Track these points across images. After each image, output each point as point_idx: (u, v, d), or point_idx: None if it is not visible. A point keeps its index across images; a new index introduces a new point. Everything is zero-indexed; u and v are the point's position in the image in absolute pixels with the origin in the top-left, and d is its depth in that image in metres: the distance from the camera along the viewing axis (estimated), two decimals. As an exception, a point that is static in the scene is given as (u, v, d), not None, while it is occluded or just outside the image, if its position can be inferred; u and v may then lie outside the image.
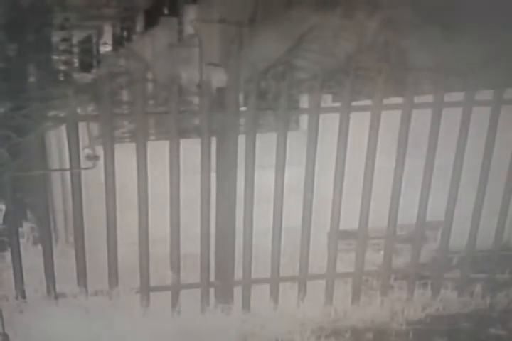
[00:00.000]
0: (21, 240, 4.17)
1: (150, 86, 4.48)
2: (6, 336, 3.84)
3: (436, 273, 4.41)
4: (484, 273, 4.43)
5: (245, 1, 4.75)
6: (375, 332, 4.13)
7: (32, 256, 4.19)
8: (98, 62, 4.51)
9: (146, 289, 4.15)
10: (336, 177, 4.11)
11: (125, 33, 4.68)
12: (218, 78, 3.98)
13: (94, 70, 4.38)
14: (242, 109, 3.98)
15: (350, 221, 4.20)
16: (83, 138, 3.97)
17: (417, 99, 4.07)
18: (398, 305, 4.28)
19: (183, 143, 3.96)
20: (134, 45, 4.66)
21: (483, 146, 4.18)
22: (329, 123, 4.04)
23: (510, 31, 4.55)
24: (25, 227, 4.43)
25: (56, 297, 4.10)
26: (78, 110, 3.94)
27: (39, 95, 3.93)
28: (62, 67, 4.31)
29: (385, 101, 4.05)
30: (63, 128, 3.93)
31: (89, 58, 4.47)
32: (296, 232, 4.17)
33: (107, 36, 4.63)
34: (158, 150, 3.96)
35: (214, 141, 3.99)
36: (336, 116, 4.02)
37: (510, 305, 4.35)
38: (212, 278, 4.20)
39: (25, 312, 4.04)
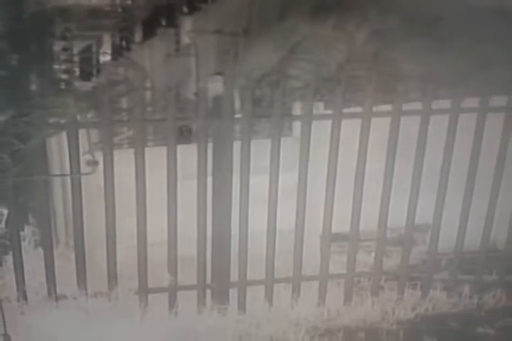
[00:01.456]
0: (23, 243, 4.22)
1: (148, 94, 4.55)
2: (8, 337, 3.90)
3: (425, 274, 4.48)
4: (472, 274, 4.50)
5: (240, 12, 4.84)
6: (366, 331, 4.20)
7: (33, 259, 4.26)
8: (98, 71, 4.57)
9: (144, 291, 4.21)
10: (328, 181, 4.19)
11: (124, 43, 4.74)
12: (215, 86, 4.09)
13: (94, 79, 4.45)
14: (238, 116, 4.07)
15: (342, 224, 4.28)
16: (83, 145, 4.05)
17: (405, 107, 4.17)
18: (389, 305, 4.35)
19: (180, 148, 4.05)
20: (133, 55, 4.73)
21: (470, 151, 4.28)
22: (321, 129, 4.14)
23: (495, 42, 4.68)
24: (27, 231, 4.45)
25: (57, 299, 4.16)
26: (78, 117, 4.01)
27: (41, 103, 4.00)
28: (63, 76, 4.39)
29: (375, 109, 4.15)
30: (64, 134, 4.00)
31: (89, 67, 4.54)
32: (290, 235, 4.24)
33: (107, 46, 4.69)
34: (156, 155, 4.04)
35: (210, 146, 4.07)
36: (328, 122, 4.11)
37: (497, 304, 4.41)
38: (208, 280, 4.26)
39: (27, 313, 4.10)
